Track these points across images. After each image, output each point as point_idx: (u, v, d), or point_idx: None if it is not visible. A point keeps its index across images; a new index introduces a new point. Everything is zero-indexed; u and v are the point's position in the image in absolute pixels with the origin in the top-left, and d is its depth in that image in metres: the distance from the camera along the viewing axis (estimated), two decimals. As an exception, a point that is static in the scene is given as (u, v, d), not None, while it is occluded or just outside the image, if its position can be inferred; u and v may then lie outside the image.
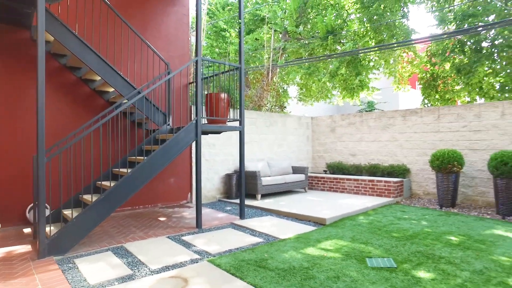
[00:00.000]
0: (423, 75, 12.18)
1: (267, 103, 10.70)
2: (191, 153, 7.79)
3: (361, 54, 11.38)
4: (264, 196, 8.40)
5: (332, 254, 4.14)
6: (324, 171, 10.10)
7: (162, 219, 6.13)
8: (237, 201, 7.73)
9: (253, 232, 5.29)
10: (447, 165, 6.87)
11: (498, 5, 8.77)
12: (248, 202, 7.55)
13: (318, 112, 21.04)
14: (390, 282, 3.28)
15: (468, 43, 9.49)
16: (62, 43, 4.91)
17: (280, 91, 16.42)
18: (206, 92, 6.27)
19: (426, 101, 12.32)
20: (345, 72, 11.04)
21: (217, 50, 13.44)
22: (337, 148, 9.99)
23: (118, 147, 6.31)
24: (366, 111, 16.25)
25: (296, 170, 9.23)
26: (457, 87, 11.09)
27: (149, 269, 3.68)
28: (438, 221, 5.85)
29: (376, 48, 10.40)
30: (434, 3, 10.73)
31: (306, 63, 11.81)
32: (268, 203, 7.46)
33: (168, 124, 6.50)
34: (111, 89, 6.25)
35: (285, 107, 10.89)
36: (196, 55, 5.43)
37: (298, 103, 16.59)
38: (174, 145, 5.19)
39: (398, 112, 8.62)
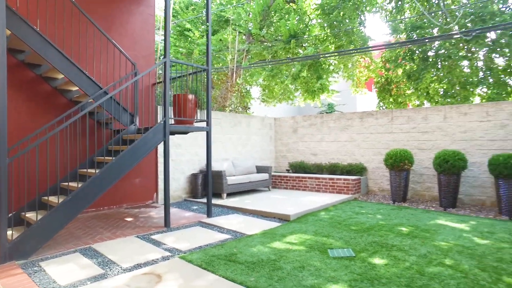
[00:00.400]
0: (379, 79, 13.03)
1: (231, 104, 10.89)
2: (157, 153, 7.78)
3: (321, 58, 11.94)
4: (229, 195, 8.58)
5: (297, 247, 4.43)
6: (287, 170, 10.48)
7: (129, 219, 6.10)
8: (203, 200, 7.85)
9: (221, 229, 5.46)
10: (399, 164, 7.50)
11: (439, 21, 9.75)
12: (214, 201, 7.69)
13: (280, 113, 21.58)
14: (349, 269, 3.62)
15: (417, 52, 10.36)
16: (21, 39, 4.76)
17: (243, 91, 16.73)
18: (173, 93, 6.34)
19: (381, 103, 13.20)
20: (307, 75, 11.55)
21: (181, 49, 13.39)
22: (299, 148, 10.42)
23: (81, 147, 6.18)
24: (327, 112, 16.99)
25: (260, 169, 9.51)
26: (408, 92, 12.04)
27: (121, 267, 3.73)
28: (391, 214, 6.39)
29: (335, 53, 10.98)
30: (388, 13, 11.56)
31: (270, 66, 12.15)
32: (233, 201, 7.66)
33: (135, 125, 6.48)
34: (75, 88, 6.11)
35: (249, 108, 11.14)
36: (164, 56, 5.49)
37: (260, 104, 16.97)
38: (143, 145, 5.22)
39: (356, 114, 9.21)
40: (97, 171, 4.77)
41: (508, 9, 9.54)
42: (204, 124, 6.47)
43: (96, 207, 6.75)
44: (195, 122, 6.41)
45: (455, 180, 6.90)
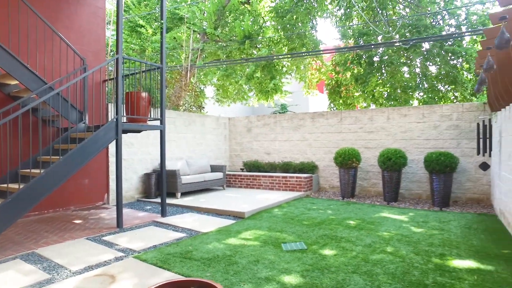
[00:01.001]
0: (329, 81, 13.67)
1: (185, 103, 10.77)
2: (108, 153, 7.48)
3: (275, 60, 12.25)
4: (184, 194, 8.50)
5: (251, 242, 4.55)
6: (241, 169, 10.61)
7: (78, 221, 5.81)
8: (157, 200, 7.69)
9: (175, 228, 5.42)
10: (347, 162, 7.96)
11: (383, 30, 10.56)
12: (168, 200, 7.58)
13: (234, 113, 21.68)
14: (302, 260, 3.82)
15: (364, 57, 11.07)
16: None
17: (198, 91, 16.57)
18: (125, 91, 6.16)
19: (332, 105, 13.86)
20: (261, 76, 11.78)
21: (133, 46, 12.94)
22: (253, 147, 10.60)
23: (22, 146, 5.76)
24: (280, 112, 17.40)
25: (214, 168, 9.53)
26: (356, 94, 12.78)
27: (70, 271, 3.58)
28: (341, 209, 6.78)
29: (288, 55, 11.33)
30: (338, 19, 12.18)
31: (224, 65, 12.21)
32: (188, 200, 7.61)
33: (84, 122, 6.18)
34: (14, 82, 5.68)
35: (203, 107, 11.08)
36: (117, 52, 5.32)
37: (215, 104, 16.94)
38: (93, 144, 5.02)
39: (308, 114, 9.60)
40: (42, 171, 4.50)
41: (437, 23, 10.58)
42: (158, 123, 6.35)
43: (40, 210, 6.32)
44: (149, 120, 6.28)
45: (397, 176, 7.50)
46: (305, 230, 5.14)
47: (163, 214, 6.23)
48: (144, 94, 5.99)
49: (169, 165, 8.37)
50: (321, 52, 11.16)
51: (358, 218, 5.96)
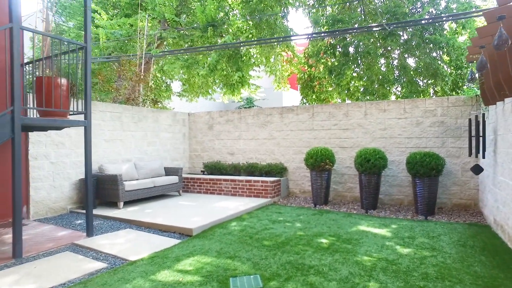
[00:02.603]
0: (301, 75, 12.62)
1: (138, 97, 9.36)
2: (27, 155, 6.01)
3: (243, 51, 11.04)
4: (129, 203, 7.15)
5: (190, 277, 3.35)
6: (202, 171, 9.36)
7: (-39, 248, 4.37)
8: (96, 212, 6.32)
9: (97, 255, 4.13)
10: (320, 163, 6.90)
11: (358, 19, 9.65)
12: (106, 212, 6.25)
13: (204, 109, 20.31)
14: (251, 312, 2.65)
15: (338, 47, 10.07)
16: None
17: (162, 85, 15.04)
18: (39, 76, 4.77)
19: (304, 100, 12.82)
20: (226, 67, 10.52)
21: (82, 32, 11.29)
22: (215, 146, 9.37)
23: None
24: (245, 107, 16.16)
25: (169, 171, 8.23)
26: (330, 89, 11.80)
27: None
28: (311, 221, 5.69)
29: (255, 42, 10.15)
30: (311, 8, 11.14)
31: (186, 55, 10.87)
32: (131, 212, 6.29)
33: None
34: None
35: (158, 102, 9.70)
36: (11, 20, 3.93)
37: (182, 99, 15.50)
38: (-30, 144, 3.62)
39: (276, 110, 8.47)
40: None
41: (417, 11, 9.76)
42: (82, 117, 5.00)
43: None
44: (71, 114, 4.93)
45: (376, 180, 6.51)
46: (265, 255, 3.98)
47: (89, 233, 4.90)
48: (62, 81, 4.64)
49: (111, 169, 7.01)
50: (292, 38, 10.05)
51: (332, 234, 4.87)
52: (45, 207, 6.29)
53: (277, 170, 8.06)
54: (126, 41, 11.05)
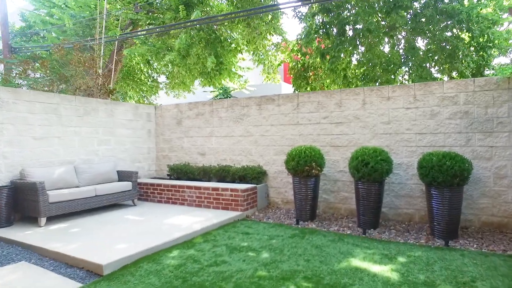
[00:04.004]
0: (294, 64, 10.99)
1: (92, 87, 7.75)
2: None
3: (222, 34, 9.42)
4: (59, 218, 5.57)
5: None
6: (168, 175, 7.76)
7: None
8: (7, 231, 4.79)
9: None
10: (304, 167, 5.27)
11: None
12: (17, 231, 4.74)
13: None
14: None
15: (333, 27, 8.37)
16: None
17: (149, 81, 13.47)
18: None
19: (297, 92, 11.18)
20: (202, 53, 8.88)
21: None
22: (184, 145, 7.77)
23: None
24: (220, 98, 14.36)
25: (123, 176, 6.66)
26: (328, 80, 10.13)
27: None
28: (286, 249, 4.07)
29: (233, 15, 8.48)
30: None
31: (153, 38, 9.27)
32: (51, 232, 4.74)
33: None
34: None
35: (113, 92, 8.06)
36: None
37: (169, 95, 13.94)
38: None
39: (253, 100, 6.84)
40: None
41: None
42: None
43: None
44: None
45: (377, 190, 4.87)
46: (186, 327, 2.37)
47: (-49, 272, 3.32)
48: None
49: (39, 174, 5.46)
50: (280, 6, 8.38)
51: (309, 276, 3.26)
52: None
53: (254, 175, 6.42)
54: (85, 23, 9.45)
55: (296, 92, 9.41)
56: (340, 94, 5.94)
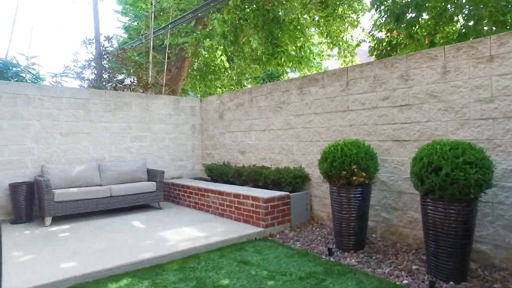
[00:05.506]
0: (377, 44, 8.82)
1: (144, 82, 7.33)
2: None
3: (281, 15, 7.98)
4: (67, 218, 5.17)
5: None
6: (209, 176, 6.80)
7: None
8: (28, 227, 4.59)
9: None
10: (339, 172, 3.55)
11: None
12: (19, 231, 4.42)
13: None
14: None
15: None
16: None
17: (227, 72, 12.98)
18: None
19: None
20: (254, 35, 7.62)
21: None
22: (226, 142, 6.69)
23: None
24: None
25: (151, 175, 6.01)
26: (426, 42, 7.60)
27: None
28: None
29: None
30: None
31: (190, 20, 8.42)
32: (40, 235, 4.31)
33: None
34: None
35: (149, 87, 7.40)
36: None
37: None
38: None
39: (294, 82, 5.26)
40: None
41: None
42: None
43: None
44: None
45: (462, 215, 2.83)
46: None
47: None
48: None
49: (59, 172, 5.19)
50: None
51: None
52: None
53: (289, 179, 4.86)
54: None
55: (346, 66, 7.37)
56: (406, 61, 3.92)
